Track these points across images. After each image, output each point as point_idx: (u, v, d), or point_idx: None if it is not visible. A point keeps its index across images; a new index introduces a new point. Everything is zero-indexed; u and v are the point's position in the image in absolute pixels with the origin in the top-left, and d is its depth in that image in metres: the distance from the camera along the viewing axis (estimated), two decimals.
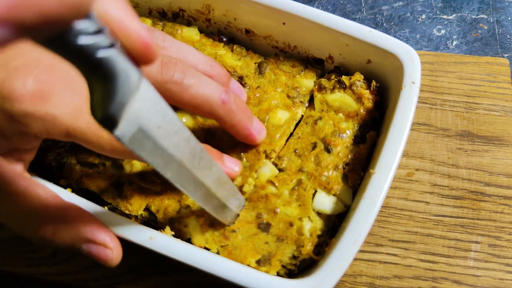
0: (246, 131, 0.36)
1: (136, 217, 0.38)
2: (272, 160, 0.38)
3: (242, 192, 0.36)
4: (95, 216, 0.33)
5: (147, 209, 0.37)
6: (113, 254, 0.32)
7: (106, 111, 0.21)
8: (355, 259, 0.42)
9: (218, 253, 0.35)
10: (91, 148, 0.32)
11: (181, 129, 0.27)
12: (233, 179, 0.37)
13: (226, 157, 0.36)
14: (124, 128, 0.22)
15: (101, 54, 0.19)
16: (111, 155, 0.33)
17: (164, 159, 0.26)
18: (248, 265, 0.34)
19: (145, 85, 0.23)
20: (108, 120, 0.21)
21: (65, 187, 0.38)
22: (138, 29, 0.22)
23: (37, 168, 0.41)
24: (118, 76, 0.21)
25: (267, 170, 0.38)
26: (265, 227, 0.35)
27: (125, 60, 0.21)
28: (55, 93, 0.29)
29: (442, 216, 0.44)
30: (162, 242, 0.33)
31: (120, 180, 0.38)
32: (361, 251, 0.43)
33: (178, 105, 0.34)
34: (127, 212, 0.37)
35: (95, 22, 0.19)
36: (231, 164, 0.36)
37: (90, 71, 0.20)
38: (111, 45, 0.20)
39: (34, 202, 0.31)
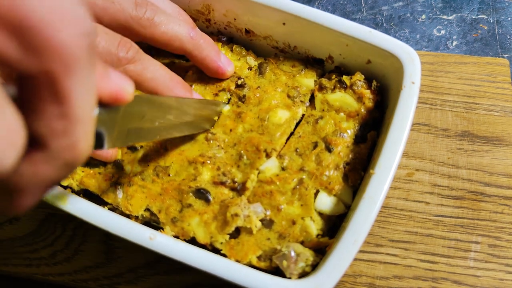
0: (215, 64, 0.41)
1: (136, 217, 0.38)
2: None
3: (245, 188, 0.37)
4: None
5: (148, 209, 0.37)
6: (113, 152, 0.38)
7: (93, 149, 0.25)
8: (355, 259, 0.42)
9: (220, 249, 0.35)
10: None
11: (162, 103, 0.32)
12: None
13: (194, 93, 0.41)
14: (114, 143, 0.27)
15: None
16: None
17: (152, 132, 0.32)
18: (249, 261, 0.34)
19: (122, 108, 0.26)
20: (97, 149, 0.26)
21: (65, 187, 0.38)
22: (108, 89, 0.24)
23: None
24: (99, 132, 0.25)
25: (272, 164, 0.38)
26: (268, 223, 0.36)
27: (103, 113, 0.24)
28: None
29: (442, 216, 0.44)
30: (162, 242, 0.33)
31: (120, 180, 0.38)
32: (361, 251, 0.43)
33: (151, 41, 0.38)
34: (127, 212, 0.37)
35: None
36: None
37: None
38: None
39: None
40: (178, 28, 0.38)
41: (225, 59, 0.42)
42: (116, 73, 0.25)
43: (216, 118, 0.40)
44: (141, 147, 0.40)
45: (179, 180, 0.38)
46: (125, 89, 0.25)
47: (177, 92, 0.38)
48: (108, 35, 0.33)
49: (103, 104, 0.24)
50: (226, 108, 0.41)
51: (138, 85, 0.36)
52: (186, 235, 0.36)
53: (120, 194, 0.38)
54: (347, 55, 0.42)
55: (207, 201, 0.37)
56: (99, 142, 0.25)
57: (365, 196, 0.32)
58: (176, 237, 0.36)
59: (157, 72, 0.36)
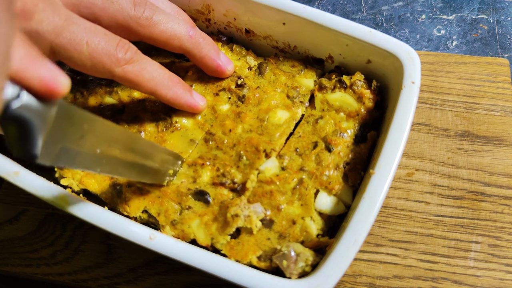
0: (214, 63, 0.40)
1: (135, 219, 0.38)
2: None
3: (245, 188, 0.37)
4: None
5: (145, 211, 0.37)
6: None
7: (22, 152, 0.22)
8: (355, 259, 0.42)
9: (221, 249, 0.35)
10: (73, 66, 0.34)
11: (106, 128, 0.29)
12: (198, 113, 0.41)
13: (194, 92, 0.40)
14: (45, 156, 0.23)
15: (10, 108, 0.21)
16: (91, 73, 0.35)
17: (92, 161, 0.28)
18: (249, 261, 0.34)
19: (60, 108, 0.24)
20: (27, 156, 0.22)
21: (65, 187, 0.38)
22: (38, 74, 0.22)
23: (39, 168, 0.41)
24: (28, 122, 0.22)
25: (272, 164, 0.38)
26: (268, 223, 0.35)
27: (32, 104, 0.22)
28: (37, 11, 0.31)
29: (442, 216, 0.44)
30: (162, 242, 0.33)
31: (118, 181, 0.38)
32: (361, 251, 0.43)
33: (150, 41, 0.38)
34: (125, 213, 0.37)
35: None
36: (198, 98, 0.40)
37: (2, 121, 0.21)
38: (17, 96, 0.21)
39: None
40: (177, 27, 0.38)
41: (224, 58, 0.41)
42: (53, 64, 0.23)
43: (171, 172, 0.37)
44: None
45: (177, 183, 0.38)
46: (59, 80, 0.23)
47: (176, 91, 0.38)
48: (107, 36, 0.33)
49: (35, 95, 0.22)
50: (226, 108, 0.41)
51: (137, 86, 0.36)
52: (187, 237, 0.36)
53: (118, 194, 0.38)
54: (347, 55, 0.42)
55: (206, 202, 0.37)
56: (28, 138, 0.22)
57: (365, 196, 0.32)
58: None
59: (155, 72, 0.36)
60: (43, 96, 0.22)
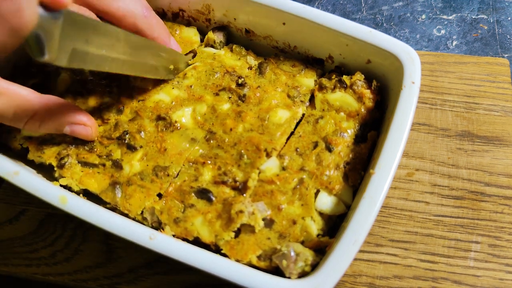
0: (166, 45, 0.42)
1: (136, 217, 0.38)
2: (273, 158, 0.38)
3: (247, 187, 0.37)
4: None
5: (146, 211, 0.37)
6: (92, 130, 0.39)
7: (40, 56, 0.28)
8: (355, 259, 0.42)
9: (221, 248, 0.35)
10: None
11: (109, 31, 0.34)
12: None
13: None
14: (61, 57, 0.29)
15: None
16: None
17: (100, 60, 0.33)
18: (249, 260, 0.34)
19: (66, 16, 0.28)
20: (45, 60, 0.28)
21: (65, 187, 0.38)
22: None
23: (39, 168, 0.41)
24: (40, 34, 0.27)
25: (273, 164, 0.38)
26: (268, 223, 0.35)
27: (44, 17, 0.27)
28: None
29: (442, 216, 0.44)
30: (162, 242, 0.33)
31: (119, 180, 0.38)
32: (361, 251, 0.43)
33: (107, 16, 0.39)
34: (126, 212, 0.37)
35: None
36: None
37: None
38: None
39: (18, 100, 0.35)
40: (133, 6, 0.39)
41: (174, 43, 0.43)
42: None
43: (171, 67, 0.42)
44: (141, 147, 0.40)
45: (180, 182, 0.38)
46: None
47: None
48: None
49: (43, 7, 0.27)
50: (226, 107, 0.41)
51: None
52: (189, 235, 0.36)
53: (118, 193, 0.38)
54: (347, 55, 0.42)
55: (209, 200, 0.37)
56: (39, 46, 0.27)
57: (365, 196, 0.32)
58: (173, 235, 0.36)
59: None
60: (51, 6, 0.27)
